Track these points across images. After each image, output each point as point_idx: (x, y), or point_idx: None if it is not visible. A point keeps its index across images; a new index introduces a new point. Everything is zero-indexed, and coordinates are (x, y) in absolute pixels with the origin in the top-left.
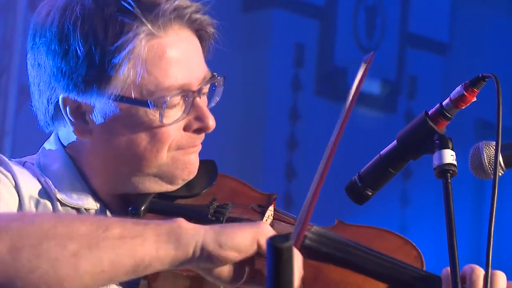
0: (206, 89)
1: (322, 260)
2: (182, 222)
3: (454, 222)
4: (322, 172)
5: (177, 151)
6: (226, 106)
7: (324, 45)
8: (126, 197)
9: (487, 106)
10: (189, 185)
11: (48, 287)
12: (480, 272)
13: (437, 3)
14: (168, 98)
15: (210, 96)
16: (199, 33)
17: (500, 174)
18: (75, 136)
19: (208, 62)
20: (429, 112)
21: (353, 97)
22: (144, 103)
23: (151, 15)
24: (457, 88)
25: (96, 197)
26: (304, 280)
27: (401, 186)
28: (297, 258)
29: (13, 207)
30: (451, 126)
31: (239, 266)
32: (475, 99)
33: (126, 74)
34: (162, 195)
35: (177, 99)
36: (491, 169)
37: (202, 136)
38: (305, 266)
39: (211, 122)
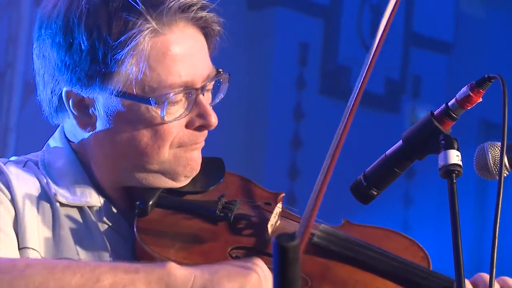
0: (210, 86)
1: (330, 257)
2: (172, 268)
3: (459, 223)
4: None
5: (179, 148)
6: (230, 104)
7: (329, 44)
8: (133, 192)
9: (491, 107)
10: (197, 181)
11: None
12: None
13: (441, 3)
14: (170, 95)
15: (214, 92)
16: (205, 30)
17: (505, 174)
18: (79, 129)
19: (212, 60)
20: (435, 112)
21: (381, 37)
22: (146, 100)
23: (156, 12)
24: (463, 88)
25: (101, 193)
26: (312, 278)
27: (404, 185)
28: None
29: (10, 224)
30: (455, 126)
31: None
32: (481, 99)
33: (128, 70)
34: (170, 191)
35: (180, 96)
36: (496, 169)
37: (205, 133)
38: (313, 264)
39: (214, 120)
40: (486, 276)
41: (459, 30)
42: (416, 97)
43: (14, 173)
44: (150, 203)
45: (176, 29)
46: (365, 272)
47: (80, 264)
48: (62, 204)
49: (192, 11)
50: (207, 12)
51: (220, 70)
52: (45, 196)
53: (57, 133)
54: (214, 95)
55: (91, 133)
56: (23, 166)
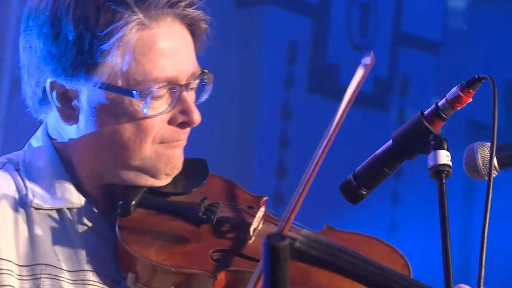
0: (194, 84)
1: (311, 263)
2: None
3: (448, 223)
4: (312, 170)
5: (160, 144)
6: (218, 103)
7: (317, 43)
8: (115, 191)
9: (479, 107)
10: (180, 182)
11: None
12: None
13: (430, 2)
14: (154, 89)
15: (199, 92)
16: (192, 27)
17: (495, 175)
18: (62, 124)
19: (201, 58)
20: (425, 113)
21: (348, 101)
22: (129, 93)
23: (144, 5)
24: (453, 89)
25: (82, 192)
26: (293, 283)
27: (392, 185)
28: None
29: None
30: (443, 126)
31: None
32: (471, 100)
33: (114, 62)
34: (153, 191)
35: (164, 91)
36: (485, 170)
37: (187, 130)
38: (294, 269)
39: (196, 117)
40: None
41: (447, 30)
42: (404, 96)
43: None
44: (133, 202)
45: (163, 24)
46: (345, 279)
47: None
48: (38, 209)
49: (180, 7)
50: (195, 9)
51: (206, 70)
52: (21, 202)
53: (39, 132)
54: (198, 94)
55: (73, 126)
56: (1, 168)
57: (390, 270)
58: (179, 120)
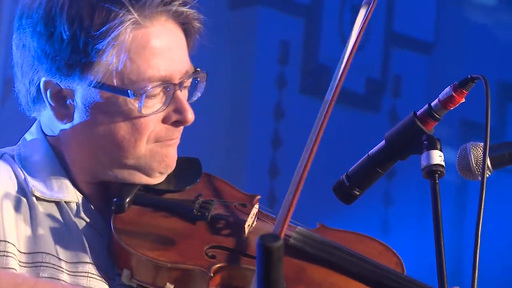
0: (187, 83)
1: (305, 260)
2: None
3: (441, 223)
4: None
5: (155, 143)
6: (211, 103)
7: (310, 43)
8: (109, 188)
9: (472, 107)
10: (173, 180)
11: None
12: None
13: (422, 3)
14: (149, 88)
15: (192, 90)
16: (185, 26)
17: (488, 175)
18: (56, 123)
19: (194, 58)
20: (418, 113)
21: (347, 59)
22: (124, 92)
23: (138, 4)
24: (445, 89)
25: (77, 188)
26: (287, 279)
27: (384, 185)
28: None
29: None
30: (436, 126)
31: None
32: (463, 100)
33: (109, 61)
34: (147, 188)
35: (158, 90)
36: (478, 170)
37: (181, 129)
38: (289, 266)
39: (190, 115)
40: None
41: (439, 30)
42: (397, 97)
43: None
44: (127, 200)
45: (157, 22)
46: (339, 275)
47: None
48: (39, 199)
49: (174, 5)
50: (189, 8)
51: (198, 69)
52: (21, 190)
53: (33, 127)
54: (191, 93)
55: (68, 125)
56: (0, 158)
57: (384, 266)
58: (173, 118)
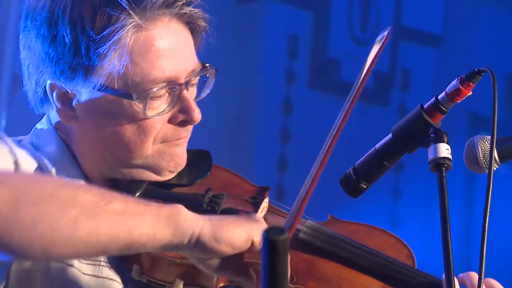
0: (195, 80)
1: (315, 254)
2: (182, 209)
3: (449, 216)
4: (320, 165)
5: (162, 143)
6: (219, 98)
7: (318, 37)
8: (119, 183)
9: (479, 99)
10: (183, 174)
11: (41, 247)
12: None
13: None
14: (153, 90)
15: (200, 87)
16: (190, 25)
17: (495, 168)
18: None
19: (201, 54)
20: (425, 106)
21: (362, 80)
22: (128, 95)
23: (139, 7)
24: (452, 82)
25: (89, 182)
26: (297, 274)
27: (392, 179)
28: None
29: None
30: (444, 119)
31: (229, 259)
32: (470, 93)
33: (111, 65)
34: (157, 183)
35: (163, 91)
36: (485, 163)
37: (189, 128)
38: (299, 260)
39: (197, 115)
40: (474, 276)
41: (448, 23)
42: (405, 90)
43: (14, 146)
44: (137, 195)
45: (160, 24)
46: (350, 269)
47: (94, 186)
48: None
49: (177, 6)
50: (193, 7)
51: (207, 64)
52: (42, 172)
53: (44, 119)
54: (200, 90)
55: (74, 126)
56: (18, 143)
57: (394, 260)
58: (180, 118)
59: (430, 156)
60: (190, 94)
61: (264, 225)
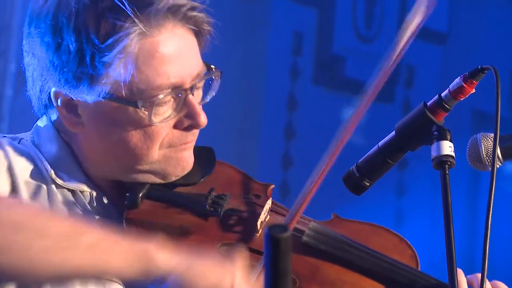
0: (200, 84)
1: (319, 257)
2: (153, 252)
3: (452, 214)
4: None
5: (168, 148)
6: (223, 95)
7: (323, 34)
8: (122, 183)
9: (484, 97)
10: (187, 173)
11: (11, 274)
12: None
13: None
14: (159, 96)
15: (206, 90)
16: (195, 29)
17: (498, 166)
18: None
19: (206, 51)
20: (428, 103)
21: (394, 60)
22: (133, 103)
23: (144, 15)
24: (456, 79)
25: (92, 183)
26: (300, 277)
27: (397, 176)
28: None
29: (2, 190)
30: (447, 116)
31: None
32: (474, 90)
33: (116, 73)
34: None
35: (169, 97)
36: (489, 161)
37: (195, 132)
38: (302, 263)
39: (203, 119)
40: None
41: (453, 21)
42: (410, 87)
43: (10, 149)
44: (140, 195)
45: (164, 30)
46: (353, 273)
47: (66, 217)
48: (58, 186)
49: (182, 12)
50: (198, 12)
51: (212, 66)
52: (41, 176)
53: (45, 117)
54: (205, 92)
55: (79, 132)
56: (18, 143)
57: (398, 263)
58: (185, 124)
59: (433, 153)
60: (196, 97)
61: (236, 278)
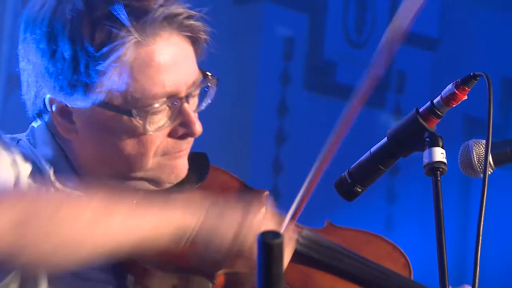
0: (196, 92)
1: (312, 266)
2: (178, 218)
3: (443, 220)
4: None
5: (163, 156)
6: (215, 99)
7: (314, 39)
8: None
9: (475, 103)
10: (181, 180)
11: (63, 255)
12: None
13: None
14: (154, 105)
15: (201, 97)
16: (191, 38)
17: (490, 172)
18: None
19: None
20: (420, 110)
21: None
22: (128, 112)
23: (140, 23)
24: (448, 86)
25: (87, 188)
26: (293, 286)
27: (388, 182)
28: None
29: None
30: (439, 122)
31: None
32: (466, 97)
33: (111, 82)
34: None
35: (164, 106)
36: (480, 167)
37: (189, 140)
38: (295, 271)
39: (198, 128)
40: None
41: (444, 26)
42: (401, 93)
43: (14, 150)
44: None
45: (160, 39)
46: (346, 282)
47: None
48: (56, 188)
49: (178, 21)
50: (195, 20)
51: (208, 73)
52: (39, 175)
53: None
54: (201, 99)
55: (74, 139)
56: (17, 143)
57: (391, 273)
58: (180, 132)
59: (425, 160)
60: (191, 105)
61: (263, 210)
